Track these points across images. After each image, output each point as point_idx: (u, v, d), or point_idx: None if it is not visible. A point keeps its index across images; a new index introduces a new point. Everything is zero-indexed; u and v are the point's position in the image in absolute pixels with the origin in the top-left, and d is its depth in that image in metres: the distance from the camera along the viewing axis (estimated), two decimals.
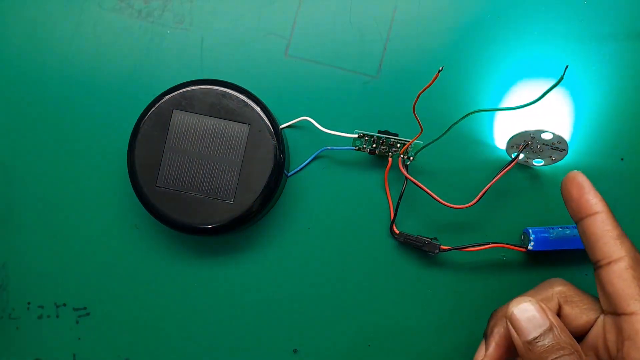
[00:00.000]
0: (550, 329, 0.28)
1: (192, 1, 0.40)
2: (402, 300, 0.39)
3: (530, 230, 0.37)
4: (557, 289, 0.32)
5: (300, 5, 0.40)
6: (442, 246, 0.37)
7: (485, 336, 0.33)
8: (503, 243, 0.37)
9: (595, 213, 0.30)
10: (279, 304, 0.39)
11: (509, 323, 0.29)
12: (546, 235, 0.36)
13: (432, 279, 0.39)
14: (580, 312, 0.32)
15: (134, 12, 0.40)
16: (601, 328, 0.31)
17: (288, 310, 0.39)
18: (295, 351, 0.39)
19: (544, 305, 0.29)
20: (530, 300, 0.29)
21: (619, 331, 0.29)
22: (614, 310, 0.29)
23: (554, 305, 0.32)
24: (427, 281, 0.39)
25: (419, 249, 0.37)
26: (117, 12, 0.40)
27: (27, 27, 0.40)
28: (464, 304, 0.38)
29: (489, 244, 0.37)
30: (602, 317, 0.31)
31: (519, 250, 0.37)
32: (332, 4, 0.40)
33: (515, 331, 0.29)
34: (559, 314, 0.32)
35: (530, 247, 0.36)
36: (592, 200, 0.31)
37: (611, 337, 0.30)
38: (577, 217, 0.31)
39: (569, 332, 0.29)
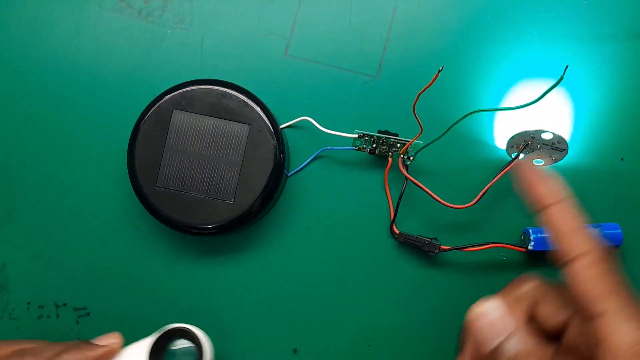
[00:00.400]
0: (513, 333, 0.25)
1: (192, 1, 0.40)
2: (402, 300, 0.39)
3: (530, 230, 0.37)
4: (528, 287, 0.30)
5: (300, 5, 0.40)
6: (442, 246, 0.37)
7: (459, 350, 0.31)
8: (503, 243, 0.37)
9: (552, 204, 0.28)
10: (279, 304, 0.39)
11: (470, 329, 0.26)
12: (546, 235, 0.36)
13: (432, 279, 0.39)
14: (555, 310, 0.29)
15: (134, 12, 0.40)
16: (578, 326, 0.28)
17: (288, 310, 0.39)
18: (295, 351, 0.39)
19: (506, 308, 0.26)
20: (490, 302, 0.26)
21: (591, 335, 0.26)
22: (583, 311, 0.27)
23: (524, 305, 0.29)
24: (427, 281, 0.39)
25: (419, 249, 0.38)
26: (117, 12, 0.40)
27: (27, 27, 0.40)
28: (464, 304, 0.38)
29: (489, 244, 0.37)
30: (577, 320, 0.29)
31: (519, 250, 0.37)
32: (332, 4, 0.40)
33: (475, 340, 0.26)
34: (533, 314, 0.30)
35: (530, 247, 0.36)
36: (545, 191, 0.28)
37: (582, 341, 0.28)
38: (537, 207, 0.29)
39: (536, 335, 0.26)
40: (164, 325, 0.39)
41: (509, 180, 0.39)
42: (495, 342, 0.25)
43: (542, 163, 0.38)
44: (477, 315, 0.26)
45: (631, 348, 0.24)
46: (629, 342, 0.25)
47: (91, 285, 0.39)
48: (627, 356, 0.24)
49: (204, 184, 0.36)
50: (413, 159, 0.38)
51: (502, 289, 0.31)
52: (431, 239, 0.37)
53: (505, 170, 0.36)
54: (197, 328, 0.36)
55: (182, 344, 0.36)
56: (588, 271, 0.26)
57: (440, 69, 0.31)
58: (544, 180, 0.28)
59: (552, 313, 0.29)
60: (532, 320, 0.29)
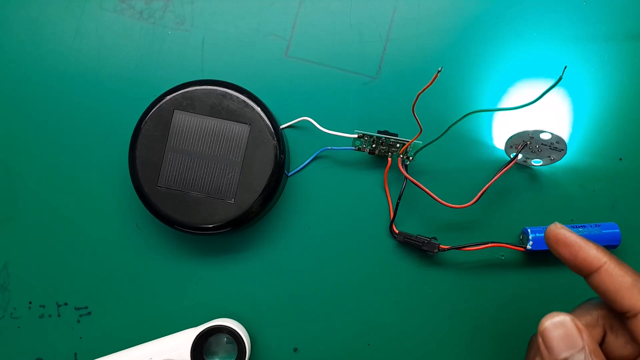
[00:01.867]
0: (582, 350, 0.25)
1: (193, 2, 0.40)
2: (402, 300, 0.39)
3: (529, 230, 0.37)
4: (598, 314, 0.29)
5: (300, 6, 0.40)
6: (441, 246, 0.37)
7: (527, 354, 0.30)
8: (502, 242, 0.37)
9: (599, 267, 0.27)
10: (279, 303, 0.39)
11: (539, 338, 0.26)
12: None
13: (432, 279, 0.39)
14: (625, 342, 0.28)
15: (135, 13, 0.40)
16: None
17: (288, 309, 0.39)
18: (295, 350, 0.39)
19: (580, 325, 0.26)
20: (566, 316, 0.26)
21: None
22: None
23: (598, 331, 0.29)
24: (427, 280, 0.39)
25: (418, 249, 0.38)
26: (118, 13, 0.41)
27: (28, 28, 0.41)
28: (463, 303, 0.39)
29: (488, 244, 0.37)
30: None
31: (518, 250, 0.37)
32: (332, 5, 0.40)
33: (546, 347, 0.26)
34: (602, 342, 0.29)
35: (529, 247, 0.37)
36: (590, 255, 0.28)
37: None
38: (582, 275, 0.28)
39: (603, 359, 0.26)
40: (165, 324, 0.39)
41: (508, 180, 0.39)
42: (566, 354, 0.26)
43: (541, 163, 0.38)
44: (553, 325, 0.26)
45: None
46: None
47: (92, 284, 0.39)
48: None
49: (205, 184, 0.36)
50: (412, 159, 0.38)
51: (573, 309, 0.31)
52: (430, 239, 0.38)
53: (504, 170, 0.36)
54: (240, 325, 0.37)
55: (223, 340, 0.38)
56: None
57: (439, 69, 0.31)
58: (583, 245, 0.28)
59: (621, 345, 0.29)
60: (599, 346, 0.29)
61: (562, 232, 0.28)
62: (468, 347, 0.38)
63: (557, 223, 0.29)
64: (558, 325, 0.26)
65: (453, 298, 0.39)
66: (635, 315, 0.27)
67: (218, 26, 0.40)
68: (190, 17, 0.40)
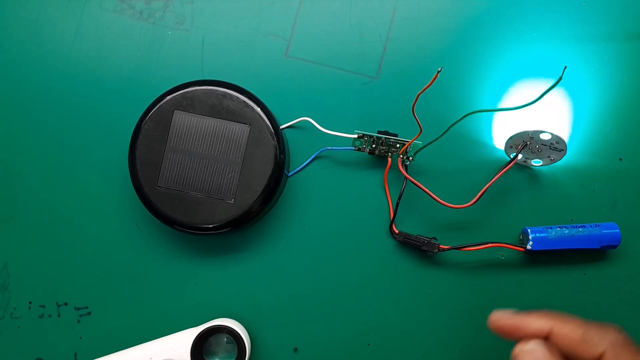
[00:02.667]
0: None
1: (193, 2, 0.40)
2: (402, 300, 0.39)
3: (529, 230, 0.37)
4: (611, 339, 0.29)
5: (300, 6, 0.40)
6: (441, 246, 0.37)
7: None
8: (502, 242, 0.37)
9: (549, 331, 0.29)
10: (279, 303, 0.39)
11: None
12: (545, 234, 0.37)
13: (432, 279, 0.39)
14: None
15: (135, 13, 0.40)
16: None
17: (288, 309, 0.39)
18: (295, 350, 0.39)
19: (547, 348, 0.27)
20: (534, 342, 0.27)
21: None
22: None
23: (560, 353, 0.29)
24: (427, 281, 0.39)
25: (418, 249, 0.38)
26: (118, 13, 0.41)
27: (28, 28, 0.41)
28: (463, 303, 0.39)
29: (487, 244, 0.37)
30: None
31: (518, 250, 0.37)
32: (332, 5, 0.40)
33: None
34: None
35: (529, 247, 0.37)
36: (534, 326, 0.29)
37: None
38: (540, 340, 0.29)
39: None
40: (165, 324, 0.39)
41: (508, 180, 0.39)
42: None
43: (541, 163, 0.38)
44: (522, 352, 0.28)
45: None
46: None
47: (92, 284, 0.40)
48: None
49: (205, 184, 0.36)
50: (412, 159, 0.38)
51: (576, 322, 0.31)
52: (430, 239, 0.38)
53: (504, 170, 0.36)
54: (240, 325, 0.37)
55: (223, 340, 0.38)
56: None
57: (439, 70, 0.31)
58: (522, 322, 0.30)
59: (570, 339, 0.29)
60: None
61: (502, 318, 0.30)
62: (468, 347, 0.38)
63: (495, 312, 0.30)
64: (529, 351, 0.28)
65: (453, 298, 0.39)
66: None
67: (218, 26, 0.40)
68: (190, 17, 0.40)
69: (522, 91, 0.39)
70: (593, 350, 0.28)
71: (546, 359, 0.27)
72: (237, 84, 0.37)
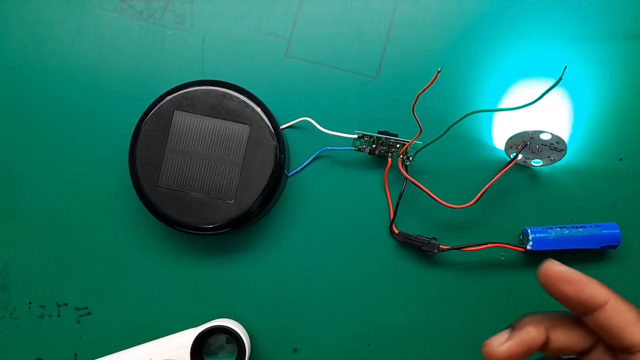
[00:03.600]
0: None
1: (193, 2, 0.40)
2: (402, 300, 0.39)
3: (529, 230, 0.37)
4: (540, 316, 0.29)
5: (300, 6, 0.40)
6: (441, 246, 0.37)
7: (512, 328, 0.30)
8: (502, 243, 0.37)
9: (605, 303, 0.27)
10: (279, 304, 0.39)
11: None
12: (545, 235, 0.37)
13: (432, 279, 0.39)
14: (572, 339, 0.29)
15: (135, 13, 0.40)
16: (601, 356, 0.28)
17: (288, 309, 0.39)
18: (295, 350, 0.39)
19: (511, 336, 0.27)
20: (501, 336, 0.27)
21: None
22: None
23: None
24: (427, 281, 0.39)
25: (418, 249, 0.38)
26: (118, 13, 0.41)
27: (28, 28, 0.41)
28: (463, 304, 0.39)
29: (488, 244, 0.37)
30: None
31: (518, 250, 0.37)
32: (332, 4, 0.40)
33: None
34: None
35: (529, 247, 0.37)
36: (596, 292, 0.27)
37: None
38: (583, 312, 0.28)
39: None
40: (165, 324, 0.39)
41: (508, 180, 0.39)
42: None
43: (541, 163, 0.38)
44: (492, 351, 0.27)
45: None
46: None
47: (92, 284, 0.40)
48: None
49: (205, 184, 0.36)
50: (412, 159, 0.38)
51: (565, 313, 0.30)
52: (430, 239, 0.38)
53: (504, 170, 0.36)
54: (240, 326, 0.37)
55: (223, 340, 0.38)
56: None
57: (439, 70, 0.31)
58: (589, 282, 0.27)
59: (570, 340, 0.29)
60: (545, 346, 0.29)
61: (563, 269, 0.27)
62: (468, 347, 0.38)
63: (552, 260, 0.28)
64: (495, 349, 0.27)
65: (453, 298, 0.39)
66: (638, 352, 0.26)
67: (218, 26, 0.40)
68: (190, 17, 0.40)
69: (522, 91, 0.39)
70: None
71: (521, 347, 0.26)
72: (237, 84, 0.37)
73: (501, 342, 0.28)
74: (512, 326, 0.29)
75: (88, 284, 0.40)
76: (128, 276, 0.39)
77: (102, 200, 0.40)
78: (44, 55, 0.40)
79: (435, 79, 0.31)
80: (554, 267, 0.27)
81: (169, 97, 0.36)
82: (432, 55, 0.39)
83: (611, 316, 0.27)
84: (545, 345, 0.28)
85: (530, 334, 0.28)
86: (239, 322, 0.38)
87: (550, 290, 0.28)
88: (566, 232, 0.37)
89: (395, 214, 0.38)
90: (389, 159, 0.38)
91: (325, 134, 0.38)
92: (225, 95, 0.36)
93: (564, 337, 0.28)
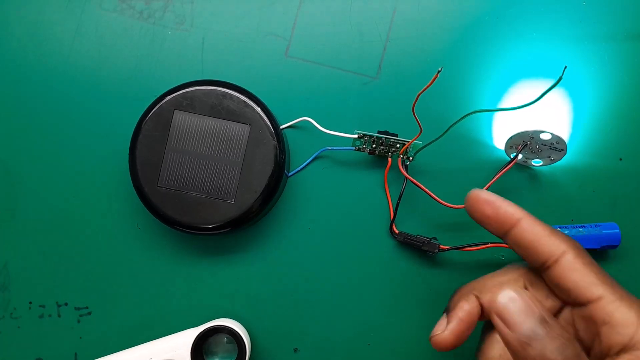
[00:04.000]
0: (542, 318, 0.25)
1: (193, 2, 0.40)
2: (402, 300, 0.39)
3: None
4: (522, 271, 0.31)
5: (300, 6, 0.40)
6: (441, 246, 0.37)
7: (447, 311, 0.31)
8: (502, 242, 0.37)
9: (519, 220, 0.29)
10: (279, 304, 0.39)
11: (495, 316, 0.26)
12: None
13: (432, 279, 0.39)
14: (546, 295, 0.30)
15: (135, 13, 0.40)
16: (567, 319, 0.30)
17: (288, 309, 0.39)
18: (295, 350, 0.39)
19: (531, 294, 0.26)
20: (517, 290, 0.26)
21: (590, 320, 0.28)
22: (578, 302, 0.28)
23: (521, 287, 0.31)
24: (427, 281, 0.39)
25: (418, 249, 0.38)
26: (118, 13, 0.41)
27: (28, 29, 0.41)
28: None
29: (488, 244, 0.37)
30: (566, 309, 0.30)
31: None
32: (332, 4, 0.40)
33: (506, 324, 0.25)
34: None
35: None
36: (509, 210, 0.30)
37: (581, 327, 0.29)
38: (502, 231, 0.30)
39: (556, 319, 0.27)
40: (165, 324, 0.39)
41: (508, 180, 0.39)
42: (528, 324, 0.25)
43: (541, 163, 0.38)
44: (510, 300, 0.25)
45: (636, 321, 0.27)
46: (633, 316, 0.27)
47: (92, 284, 0.40)
48: (632, 330, 0.26)
49: (205, 184, 0.36)
50: (412, 159, 0.38)
51: (488, 275, 0.32)
52: (430, 239, 0.38)
53: (504, 170, 0.36)
54: (240, 325, 0.37)
55: (223, 340, 0.38)
56: (575, 264, 0.28)
57: (439, 69, 0.31)
58: (503, 201, 0.30)
59: (542, 298, 0.30)
60: None
61: (483, 193, 0.30)
62: (468, 347, 0.38)
63: (476, 188, 0.31)
64: (514, 299, 0.25)
65: None
66: (554, 263, 0.28)
67: (218, 26, 0.40)
68: (190, 17, 0.40)
69: (522, 91, 0.39)
70: (556, 248, 0.29)
71: (532, 303, 0.25)
72: (237, 84, 0.37)
73: (443, 329, 0.30)
74: (446, 309, 0.31)
75: (88, 284, 0.40)
76: (128, 276, 0.39)
77: (102, 200, 0.40)
78: (44, 55, 0.40)
79: (435, 78, 0.31)
80: (476, 191, 0.31)
81: (169, 97, 0.36)
82: (432, 55, 0.39)
83: (524, 231, 0.29)
84: (482, 312, 0.30)
85: (464, 308, 0.30)
86: (239, 322, 0.38)
87: (474, 213, 0.30)
88: (566, 232, 0.37)
89: (395, 214, 0.38)
90: (389, 159, 0.38)
91: (325, 134, 0.38)
92: (225, 95, 0.36)
93: (493, 296, 0.29)
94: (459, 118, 0.34)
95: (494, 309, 0.26)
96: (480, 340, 0.32)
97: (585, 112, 0.39)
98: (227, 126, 0.36)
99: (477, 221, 0.31)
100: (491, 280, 0.31)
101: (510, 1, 0.39)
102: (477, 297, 0.31)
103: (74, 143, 0.40)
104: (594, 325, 0.28)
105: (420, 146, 0.37)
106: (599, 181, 0.38)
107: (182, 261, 0.39)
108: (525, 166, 0.39)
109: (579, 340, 0.29)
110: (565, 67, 0.31)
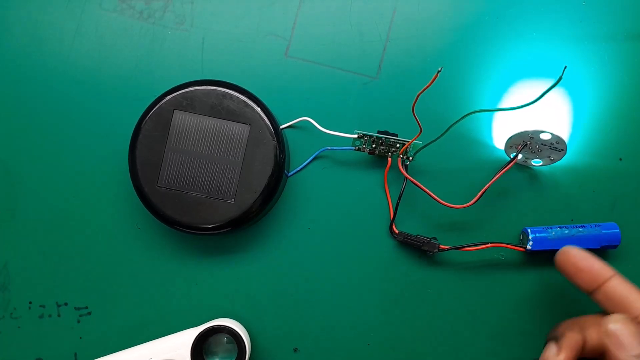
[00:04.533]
0: None
1: (193, 2, 0.40)
2: (402, 300, 0.39)
3: (529, 230, 0.37)
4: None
5: (300, 6, 0.40)
6: (441, 246, 0.37)
7: (554, 339, 0.33)
8: (502, 242, 0.37)
9: (612, 276, 0.32)
10: (279, 303, 0.39)
11: (608, 339, 0.30)
12: (545, 234, 0.37)
13: (432, 279, 0.39)
14: None
15: (135, 13, 0.41)
16: None
17: (288, 309, 0.39)
18: (295, 350, 0.39)
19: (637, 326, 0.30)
20: (624, 319, 0.30)
21: None
22: None
23: None
24: (427, 280, 0.39)
25: (418, 249, 0.38)
26: (118, 13, 0.41)
27: (28, 28, 0.41)
28: (463, 303, 0.39)
29: (488, 244, 0.37)
30: None
31: (518, 250, 0.37)
32: (332, 4, 0.40)
33: (618, 346, 0.30)
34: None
35: (529, 247, 0.37)
36: (603, 266, 0.32)
37: None
38: (594, 285, 0.32)
39: None
40: (165, 324, 0.39)
41: (508, 180, 0.39)
42: (637, 349, 0.30)
43: (541, 163, 0.38)
44: (623, 324, 0.30)
45: None
46: None
47: (92, 284, 0.40)
48: None
49: (205, 184, 0.36)
50: (412, 159, 0.38)
51: (581, 316, 0.34)
52: (430, 239, 0.38)
53: (504, 170, 0.36)
54: (240, 325, 0.37)
55: (223, 340, 0.38)
56: None
57: (439, 69, 0.31)
58: (595, 260, 0.33)
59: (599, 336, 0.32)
60: None
61: (575, 249, 0.33)
62: (468, 346, 0.38)
63: (568, 245, 0.34)
64: (627, 324, 0.30)
65: (453, 298, 0.39)
66: None
67: (218, 26, 0.40)
68: (190, 17, 0.40)
69: (522, 91, 0.39)
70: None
71: (638, 332, 0.30)
72: (237, 84, 0.37)
73: (554, 355, 0.32)
74: (553, 338, 0.33)
75: (88, 284, 0.40)
76: (128, 276, 0.39)
77: (102, 200, 0.40)
78: (44, 55, 0.40)
79: (435, 78, 0.31)
80: (569, 247, 0.34)
81: (169, 97, 0.36)
82: (432, 55, 0.39)
83: (617, 286, 0.32)
84: (583, 347, 0.32)
85: (573, 338, 0.32)
86: (239, 322, 0.38)
87: (566, 267, 0.33)
88: (566, 231, 0.37)
89: (395, 214, 0.38)
90: (389, 159, 0.38)
91: (325, 134, 0.38)
92: (225, 95, 0.36)
93: (596, 335, 0.32)
94: (458, 118, 0.34)
95: (606, 334, 0.30)
96: None
97: (585, 112, 0.39)
98: (227, 126, 0.36)
99: (567, 274, 0.33)
100: (588, 320, 0.33)
101: (510, 1, 0.39)
102: (581, 332, 0.32)
103: (74, 143, 0.40)
104: None
105: (420, 146, 0.37)
106: (599, 181, 0.39)
107: (182, 261, 0.39)
108: (525, 166, 0.39)
109: None
110: (565, 67, 0.31)
